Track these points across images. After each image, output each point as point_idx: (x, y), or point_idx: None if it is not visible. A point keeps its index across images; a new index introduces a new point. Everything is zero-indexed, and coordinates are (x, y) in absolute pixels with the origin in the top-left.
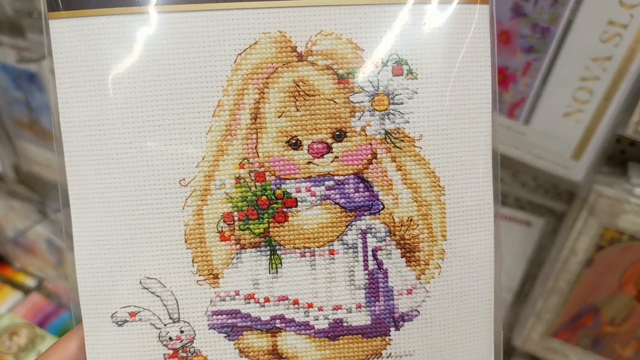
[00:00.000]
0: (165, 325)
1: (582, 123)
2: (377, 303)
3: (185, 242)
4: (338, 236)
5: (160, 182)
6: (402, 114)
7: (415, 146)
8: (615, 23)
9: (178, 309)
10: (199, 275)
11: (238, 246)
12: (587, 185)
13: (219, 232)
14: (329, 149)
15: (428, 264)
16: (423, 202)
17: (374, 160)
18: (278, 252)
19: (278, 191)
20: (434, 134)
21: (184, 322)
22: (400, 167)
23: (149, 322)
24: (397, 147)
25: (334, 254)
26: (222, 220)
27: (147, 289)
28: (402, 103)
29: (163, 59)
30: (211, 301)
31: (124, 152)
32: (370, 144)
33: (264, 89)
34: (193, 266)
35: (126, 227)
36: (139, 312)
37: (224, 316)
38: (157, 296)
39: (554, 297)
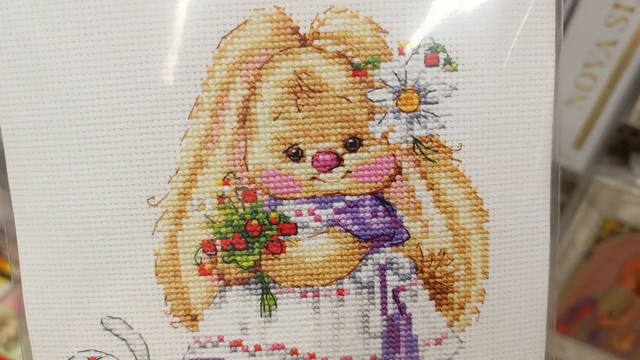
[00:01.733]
0: None
1: (585, 111)
2: (396, 355)
3: (156, 275)
4: (349, 272)
5: (123, 201)
6: (436, 116)
7: (452, 159)
8: (621, 6)
9: (148, 356)
10: (174, 315)
11: (221, 282)
12: (587, 175)
13: (197, 264)
14: (339, 161)
15: (463, 308)
16: (460, 230)
17: (397, 177)
18: (272, 290)
19: (273, 214)
20: (477, 143)
21: None
22: (432, 185)
23: None
24: (429, 160)
25: (343, 295)
26: (200, 249)
27: (110, 330)
28: (436, 102)
29: (125, 43)
30: (189, 347)
31: (77, 163)
32: (394, 155)
33: (255, 82)
34: (166, 305)
35: (83, 256)
36: (101, 357)
37: None
38: (123, 339)
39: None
